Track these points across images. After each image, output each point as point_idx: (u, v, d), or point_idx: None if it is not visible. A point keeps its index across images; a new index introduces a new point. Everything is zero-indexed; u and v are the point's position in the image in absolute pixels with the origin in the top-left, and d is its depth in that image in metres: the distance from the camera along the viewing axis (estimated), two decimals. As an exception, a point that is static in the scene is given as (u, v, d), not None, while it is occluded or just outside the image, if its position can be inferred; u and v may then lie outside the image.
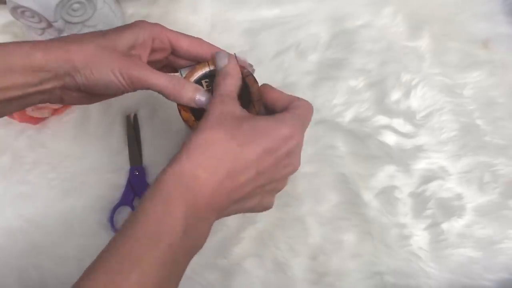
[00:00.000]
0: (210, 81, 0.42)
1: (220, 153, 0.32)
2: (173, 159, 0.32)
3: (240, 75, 0.40)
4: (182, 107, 0.41)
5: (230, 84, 0.38)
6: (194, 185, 0.32)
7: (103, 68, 0.36)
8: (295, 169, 0.37)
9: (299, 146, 0.36)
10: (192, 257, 0.33)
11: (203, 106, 0.39)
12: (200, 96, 0.39)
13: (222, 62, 0.40)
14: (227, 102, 0.36)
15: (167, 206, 0.31)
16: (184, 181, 0.31)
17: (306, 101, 0.39)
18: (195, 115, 0.41)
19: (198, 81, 0.42)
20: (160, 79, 0.37)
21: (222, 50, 0.42)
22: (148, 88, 0.38)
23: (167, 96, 0.38)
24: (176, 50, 0.42)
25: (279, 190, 0.39)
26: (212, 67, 0.42)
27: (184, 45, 0.41)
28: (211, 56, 0.42)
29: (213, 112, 0.35)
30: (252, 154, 0.33)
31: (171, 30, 0.41)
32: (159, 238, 0.30)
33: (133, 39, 0.38)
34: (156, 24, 0.41)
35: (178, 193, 0.31)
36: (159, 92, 0.38)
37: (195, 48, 0.42)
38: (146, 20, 0.41)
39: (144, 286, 0.29)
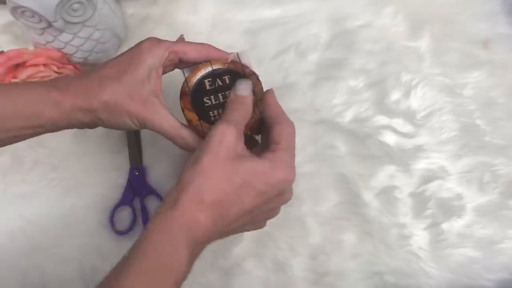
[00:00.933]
0: (213, 81, 0.42)
1: (217, 199, 0.35)
2: (177, 200, 0.34)
3: (251, 107, 0.40)
4: (185, 106, 0.41)
5: (244, 114, 0.39)
6: (195, 227, 0.34)
7: (121, 116, 0.40)
8: (286, 202, 0.40)
9: (291, 183, 0.38)
10: None
11: None
12: None
13: (243, 91, 0.40)
14: (233, 134, 0.36)
15: (175, 246, 0.33)
16: (187, 223, 0.34)
17: (289, 126, 0.39)
18: (199, 114, 0.41)
19: (201, 81, 0.42)
20: (169, 129, 0.40)
21: (231, 53, 0.42)
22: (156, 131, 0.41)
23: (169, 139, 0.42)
24: (184, 61, 0.43)
25: (271, 218, 0.41)
26: (214, 67, 0.42)
27: (192, 56, 0.42)
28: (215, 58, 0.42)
29: (214, 151, 0.35)
30: (245, 197, 0.36)
31: (178, 44, 0.42)
32: (168, 276, 0.33)
33: (146, 74, 0.40)
34: (163, 44, 0.41)
35: (183, 234, 0.34)
36: (165, 137, 0.41)
37: (203, 56, 0.42)
38: (154, 37, 0.42)
39: None
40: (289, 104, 0.56)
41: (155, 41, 0.41)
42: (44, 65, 0.55)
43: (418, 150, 0.55)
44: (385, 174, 0.54)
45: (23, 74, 0.54)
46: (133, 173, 0.54)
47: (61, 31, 0.52)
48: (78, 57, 0.56)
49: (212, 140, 0.36)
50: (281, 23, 0.61)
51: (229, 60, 0.42)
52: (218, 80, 0.42)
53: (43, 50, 0.54)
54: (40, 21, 0.50)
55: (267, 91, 0.42)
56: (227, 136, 0.36)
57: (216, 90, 0.41)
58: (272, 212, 0.40)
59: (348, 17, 0.61)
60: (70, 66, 0.56)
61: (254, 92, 0.41)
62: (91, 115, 0.40)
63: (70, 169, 0.55)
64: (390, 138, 0.56)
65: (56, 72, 0.55)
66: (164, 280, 0.32)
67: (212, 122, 0.40)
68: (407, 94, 0.57)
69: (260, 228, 0.42)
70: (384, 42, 0.60)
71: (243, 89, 0.40)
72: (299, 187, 0.54)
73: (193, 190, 0.35)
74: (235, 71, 0.42)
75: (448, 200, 0.53)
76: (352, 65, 0.59)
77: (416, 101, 0.57)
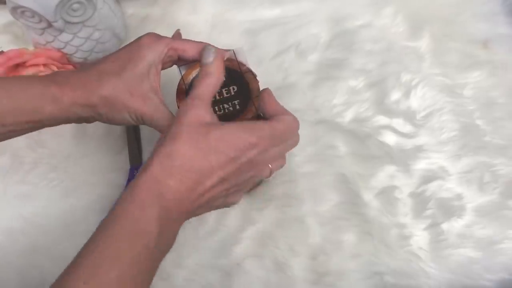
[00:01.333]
0: None
1: (188, 165, 0.35)
2: (147, 166, 0.35)
3: (221, 75, 0.40)
4: (182, 103, 0.41)
5: (208, 84, 0.39)
6: (165, 191, 0.34)
7: (120, 112, 0.40)
8: (258, 175, 0.39)
9: (262, 155, 0.37)
10: (164, 256, 0.36)
11: None
12: None
13: (207, 59, 0.40)
14: (199, 106, 0.37)
15: (142, 209, 0.33)
16: (157, 188, 0.34)
17: (291, 118, 0.39)
18: None
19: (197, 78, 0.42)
20: (168, 126, 0.40)
21: (226, 50, 0.42)
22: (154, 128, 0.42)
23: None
24: (183, 59, 0.43)
25: (244, 191, 0.40)
26: None
27: (191, 54, 0.42)
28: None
29: (182, 121, 0.36)
30: (216, 163, 0.35)
31: (178, 41, 0.42)
32: (136, 239, 0.32)
33: (146, 70, 0.40)
34: (162, 41, 0.41)
35: (152, 198, 0.34)
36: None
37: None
38: (153, 33, 0.42)
39: (123, 282, 0.31)
40: (289, 104, 0.56)
41: (155, 37, 0.41)
42: (44, 65, 0.55)
43: (418, 150, 0.55)
44: (385, 174, 0.54)
45: (23, 74, 0.54)
46: (133, 173, 0.54)
47: (61, 31, 0.52)
48: (78, 57, 0.56)
49: (179, 114, 0.37)
50: (281, 23, 0.61)
51: (225, 58, 0.42)
52: None
53: (43, 50, 0.54)
54: (40, 21, 0.50)
55: (264, 90, 0.42)
56: (191, 109, 0.36)
57: None
58: (244, 184, 0.39)
59: (348, 17, 0.61)
60: (70, 66, 0.57)
61: (250, 90, 0.41)
62: (90, 110, 0.40)
63: (70, 169, 0.55)
64: (390, 138, 0.56)
65: (56, 72, 0.55)
66: (132, 245, 0.32)
67: None
68: (407, 94, 0.57)
69: (232, 204, 0.40)
70: (384, 42, 0.60)
71: (204, 58, 0.40)
72: (299, 187, 0.54)
73: (163, 155, 0.35)
74: (231, 69, 0.42)
75: (448, 200, 0.53)
76: (352, 65, 0.59)
77: (416, 101, 0.57)
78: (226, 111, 0.41)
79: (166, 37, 0.42)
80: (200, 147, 0.35)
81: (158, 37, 0.41)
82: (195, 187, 0.35)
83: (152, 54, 0.40)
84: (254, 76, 0.42)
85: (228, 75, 0.42)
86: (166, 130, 0.40)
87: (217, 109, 0.41)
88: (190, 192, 0.35)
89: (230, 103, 0.41)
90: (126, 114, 0.40)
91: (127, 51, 0.41)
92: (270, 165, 0.39)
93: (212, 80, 0.39)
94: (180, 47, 0.41)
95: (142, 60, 0.40)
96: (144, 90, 0.40)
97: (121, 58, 0.40)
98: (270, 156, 0.38)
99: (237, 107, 0.41)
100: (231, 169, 0.36)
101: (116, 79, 0.39)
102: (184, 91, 0.41)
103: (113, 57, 0.41)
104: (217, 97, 0.41)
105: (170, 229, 0.35)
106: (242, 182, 0.38)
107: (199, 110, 0.37)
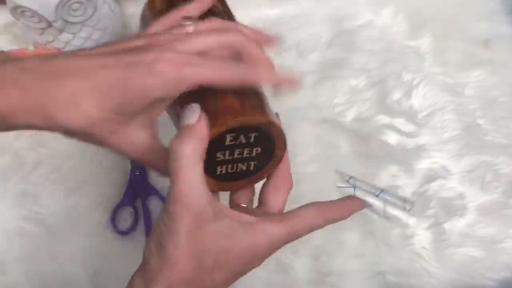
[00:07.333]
0: (236, 136, 0.33)
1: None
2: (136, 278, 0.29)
3: (206, 136, 0.29)
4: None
5: (195, 150, 0.29)
6: None
7: None
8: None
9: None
10: None
11: None
12: None
13: (187, 118, 0.30)
14: (192, 195, 0.28)
15: None
16: None
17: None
18: (205, 167, 0.35)
19: (223, 135, 0.33)
20: None
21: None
22: None
23: None
24: None
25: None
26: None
27: None
28: None
29: (176, 228, 0.28)
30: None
31: None
32: None
33: None
34: None
35: None
36: None
37: None
38: None
39: None
40: (290, 103, 0.56)
41: None
42: (44, 65, 0.54)
43: (420, 149, 0.55)
44: (387, 174, 0.54)
45: (23, 75, 0.54)
46: (134, 173, 0.54)
47: (61, 31, 0.52)
48: (78, 57, 0.56)
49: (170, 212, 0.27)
50: (281, 22, 0.61)
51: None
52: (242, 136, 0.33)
53: (43, 50, 0.54)
54: (40, 21, 0.50)
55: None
56: (186, 198, 0.27)
57: (235, 146, 0.33)
58: None
59: (348, 17, 0.61)
60: (70, 66, 0.56)
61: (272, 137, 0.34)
62: None
63: (71, 169, 0.54)
64: (392, 138, 0.56)
65: (56, 72, 0.55)
66: None
67: (216, 177, 0.34)
68: (408, 93, 0.57)
69: None
70: (384, 41, 0.60)
71: (188, 116, 0.30)
72: (302, 187, 0.53)
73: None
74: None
75: (450, 200, 0.53)
76: (353, 65, 0.59)
77: (417, 101, 0.57)
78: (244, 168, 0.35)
79: None
80: (199, 259, 0.28)
81: None
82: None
83: None
84: (277, 117, 0.34)
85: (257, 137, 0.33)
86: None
87: (229, 169, 0.34)
88: None
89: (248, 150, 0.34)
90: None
91: None
92: None
93: (202, 142, 0.30)
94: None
95: None
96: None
97: None
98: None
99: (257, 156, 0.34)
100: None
101: None
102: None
103: None
104: (236, 156, 0.34)
105: None
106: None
107: (195, 196, 0.28)
